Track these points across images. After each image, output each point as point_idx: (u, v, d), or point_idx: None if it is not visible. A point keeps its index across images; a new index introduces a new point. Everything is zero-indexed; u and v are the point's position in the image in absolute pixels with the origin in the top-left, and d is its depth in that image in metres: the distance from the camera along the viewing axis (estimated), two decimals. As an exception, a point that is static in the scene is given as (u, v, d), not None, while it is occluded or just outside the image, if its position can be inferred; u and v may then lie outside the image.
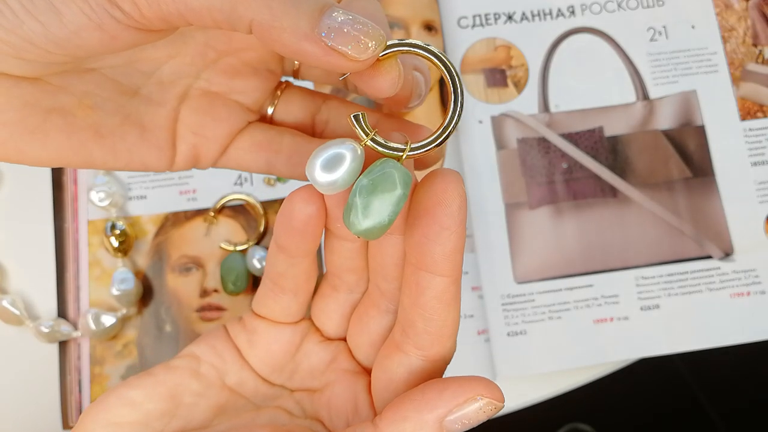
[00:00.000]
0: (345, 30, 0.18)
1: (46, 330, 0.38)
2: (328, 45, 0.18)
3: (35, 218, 0.41)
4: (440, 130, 0.20)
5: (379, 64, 0.19)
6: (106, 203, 0.40)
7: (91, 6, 0.18)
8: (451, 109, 0.20)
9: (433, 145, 0.20)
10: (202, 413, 0.24)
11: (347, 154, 0.19)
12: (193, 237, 0.40)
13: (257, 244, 0.40)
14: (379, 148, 0.20)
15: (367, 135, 0.19)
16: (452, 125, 0.20)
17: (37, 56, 0.19)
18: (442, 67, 0.20)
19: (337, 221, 0.22)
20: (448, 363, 0.22)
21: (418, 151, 0.20)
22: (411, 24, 0.41)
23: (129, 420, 0.23)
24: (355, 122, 0.19)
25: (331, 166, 0.19)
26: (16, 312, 0.39)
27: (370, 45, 0.18)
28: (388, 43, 0.19)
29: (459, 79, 0.20)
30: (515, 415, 0.40)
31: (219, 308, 0.40)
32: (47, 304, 0.40)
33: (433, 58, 0.20)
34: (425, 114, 0.40)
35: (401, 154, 0.20)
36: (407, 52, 0.19)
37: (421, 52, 0.19)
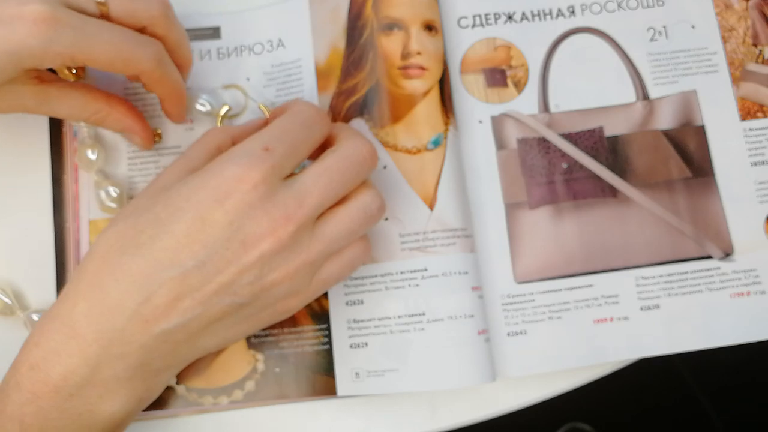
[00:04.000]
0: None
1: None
2: None
3: (35, 218, 0.41)
4: None
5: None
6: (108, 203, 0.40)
7: None
8: None
9: None
10: None
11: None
12: (193, 237, 0.40)
13: (257, 244, 0.40)
14: None
15: None
16: None
17: None
18: None
19: None
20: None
21: None
22: (411, 24, 0.41)
23: None
24: None
25: None
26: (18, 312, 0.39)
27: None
28: None
29: None
30: (515, 415, 0.40)
31: (219, 308, 0.40)
32: (47, 304, 0.40)
33: None
34: (425, 113, 0.40)
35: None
36: None
37: None
